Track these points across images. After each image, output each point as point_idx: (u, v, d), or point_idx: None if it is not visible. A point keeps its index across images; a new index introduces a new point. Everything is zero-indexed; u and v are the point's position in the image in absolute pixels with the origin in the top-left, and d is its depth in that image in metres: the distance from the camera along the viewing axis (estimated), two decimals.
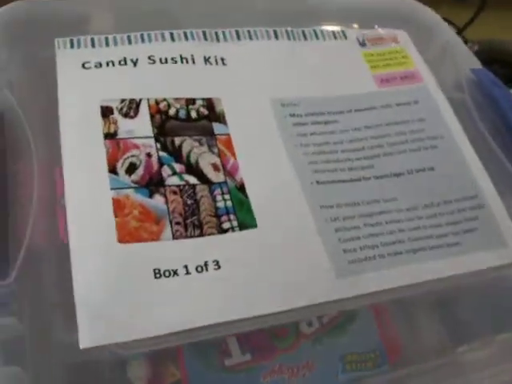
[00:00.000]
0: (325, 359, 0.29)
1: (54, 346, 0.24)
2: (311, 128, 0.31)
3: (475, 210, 0.31)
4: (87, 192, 0.26)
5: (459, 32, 0.72)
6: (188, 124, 0.30)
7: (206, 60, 0.32)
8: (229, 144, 0.30)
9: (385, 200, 0.30)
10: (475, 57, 0.39)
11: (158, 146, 0.28)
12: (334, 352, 0.30)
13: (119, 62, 0.31)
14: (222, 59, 0.33)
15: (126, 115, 0.29)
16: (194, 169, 0.28)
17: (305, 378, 0.28)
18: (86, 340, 0.22)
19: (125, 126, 0.29)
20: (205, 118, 0.30)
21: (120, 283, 0.24)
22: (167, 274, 0.25)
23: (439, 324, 0.32)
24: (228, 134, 0.30)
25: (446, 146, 0.33)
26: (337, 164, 0.30)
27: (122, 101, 0.29)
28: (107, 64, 0.31)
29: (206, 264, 0.25)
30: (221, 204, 0.27)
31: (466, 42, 0.71)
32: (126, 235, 0.25)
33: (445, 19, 0.45)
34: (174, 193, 0.27)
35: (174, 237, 0.26)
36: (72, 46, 0.31)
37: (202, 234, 0.26)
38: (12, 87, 0.30)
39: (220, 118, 0.30)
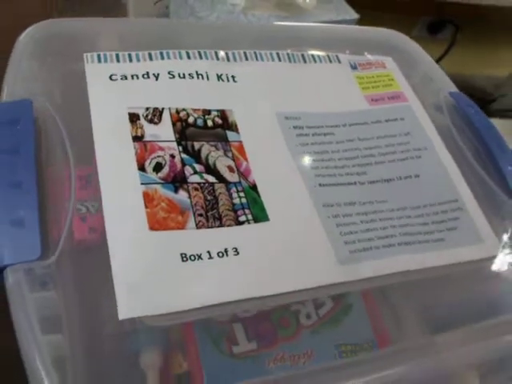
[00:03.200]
0: (322, 348, 0.32)
1: (92, 318, 0.27)
2: (312, 139, 0.35)
3: (456, 211, 0.34)
4: (120, 187, 0.29)
5: None
6: (205, 131, 0.33)
7: (219, 77, 0.36)
8: (241, 150, 0.33)
9: (377, 201, 0.33)
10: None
11: (180, 148, 0.32)
12: (331, 341, 0.32)
13: (142, 76, 0.34)
14: (233, 77, 0.37)
15: (150, 121, 0.32)
16: (212, 169, 0.31)
17: (305, 366, 0.31)
18: (123, 312, 0.25)
19: (150, 131, 0.32)
20: (219, 127, 0.34)
21: (152, 265, 0.27)
22: (192, 258, 0.28)
23: (421, 316, 0.35)
24: (240, 141, 0.33)
25: (429, 157, 0.37)
26: (335, 170, 0.34)
27: (147, 109, 0.33)
28: (132, 77, 0.34)
29: (226, 250, 0.28)
30: (237, 200, 0.31)
31: None
32: (155, 223, 0.28)
33: None
34: (196, 189, 0.30)
35: (198, 226, 0.29)
36: (99, 60, 0.35)
37: (221, 225, 0.29)
38: (44, 96, 0.33)
39: (233, 127, 0.34)
